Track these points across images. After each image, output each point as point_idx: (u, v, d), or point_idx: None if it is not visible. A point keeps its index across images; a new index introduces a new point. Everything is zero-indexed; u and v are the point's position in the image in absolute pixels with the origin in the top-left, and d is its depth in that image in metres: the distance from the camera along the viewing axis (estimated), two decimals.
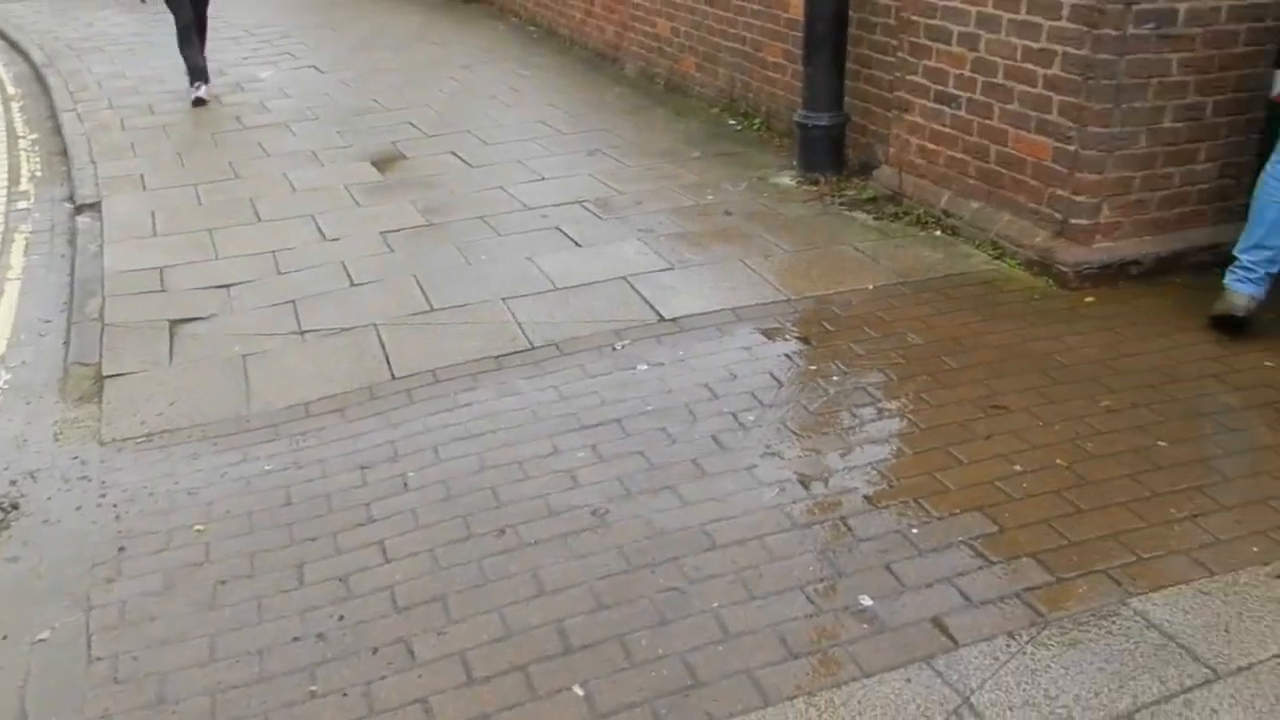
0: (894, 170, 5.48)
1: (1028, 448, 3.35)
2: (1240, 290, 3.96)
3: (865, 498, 3.15)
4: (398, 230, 5.46)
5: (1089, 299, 4.36)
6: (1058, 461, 3.27)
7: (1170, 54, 4.26)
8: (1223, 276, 4.05)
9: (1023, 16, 4.53)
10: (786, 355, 4.04)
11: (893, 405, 3.65)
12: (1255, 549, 2.86)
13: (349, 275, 4.92)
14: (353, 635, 2.72)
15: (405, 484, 3.35)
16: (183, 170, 6.59)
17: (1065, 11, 4.32)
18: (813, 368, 3.93)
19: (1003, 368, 3.86)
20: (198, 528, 3.22)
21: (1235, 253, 4.01)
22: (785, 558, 2.91)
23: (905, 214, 5.30)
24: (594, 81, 8.63)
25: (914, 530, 3.00)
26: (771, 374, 3.89)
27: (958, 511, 3.06)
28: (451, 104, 8.03)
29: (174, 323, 4.54)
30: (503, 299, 4.58)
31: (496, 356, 4.12)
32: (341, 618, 2.78)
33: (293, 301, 4.68)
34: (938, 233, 5.09)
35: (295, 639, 2.72)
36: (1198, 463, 3.25)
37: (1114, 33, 4.17)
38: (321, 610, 2.82)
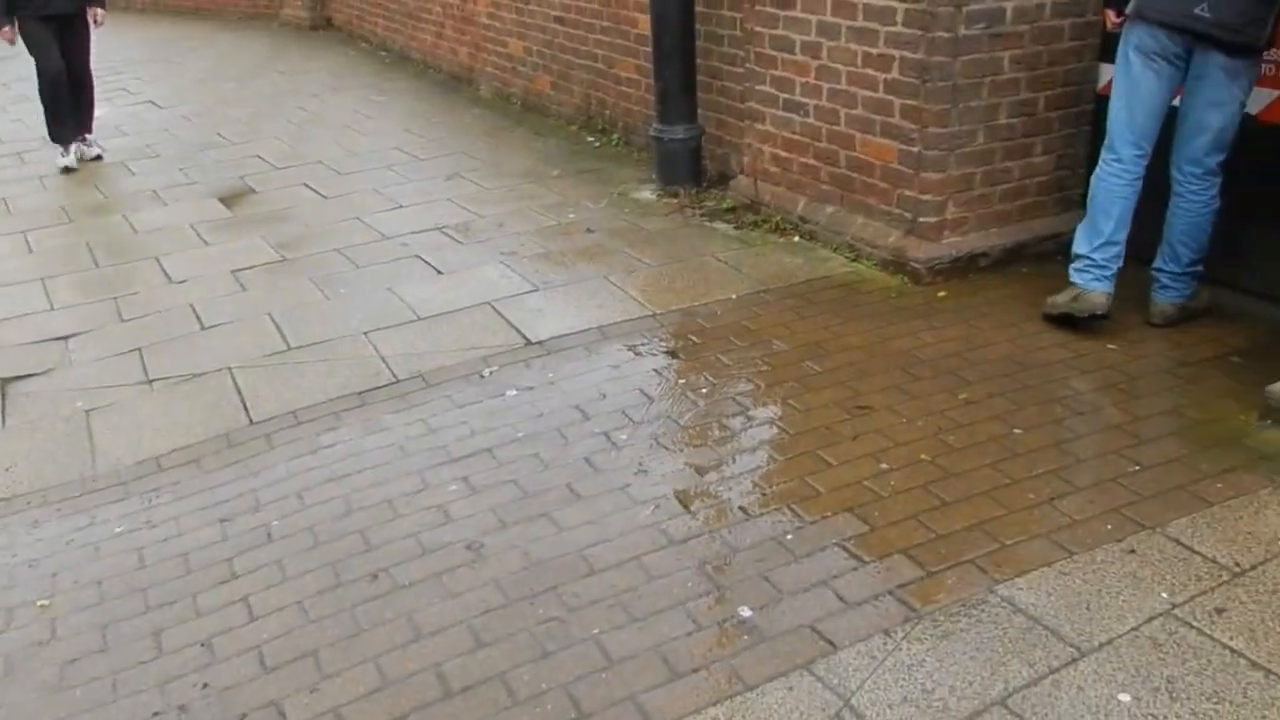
0: (750, 179, 5.57)
1: (893, 445, 3.43)
2: (1099, 289, 4.00)
3: (740, 508, 3.18)
4: (249, 268, 5.31)
5: (942, 294, 4.50)
6: (922, 457, 3.36)
7: (1001, 52, 4.42)
8: (1071, 274, 4.07)
9: (860, 23, 4.66)
10: (655, 370, 4.06)
11: (761, 413, 3.70)
12: (1109, 526, 2.97)
13: (199, 318, 4.76)
14: (219, 703, 2.61)
15: (269, 534, 3.25)
16: (10, 217, 6.31)
17: (899, 16, 4.44)
18: (682, 381, 3.96)
19: (865, 367, 3.95)
20: (41, 603, 3.05)
21: (1083, 252, 4.03)
22: (664, 576, 2.91)
23: (764, 222, 5.39)
24: (450, 104, 8.57)
25: (788, 537, 3.03)
26: (641, 390, 3.90)
27: (830, 514, 3.12)
28: (302, 134, 7.87)
29: (6, 381, 4.32)
30: (364, 333, 4.50)
31: (360, 393, 4.04)
32: (205, 685, 2.66)
33: (139, 349, 4.50)
34: (796, 238, 5.19)
35: (155, 715, 2.60)
36: (1052, 447, 3.37)
37: (947, 34, 4.31)
38: (183, 679, 2.69)
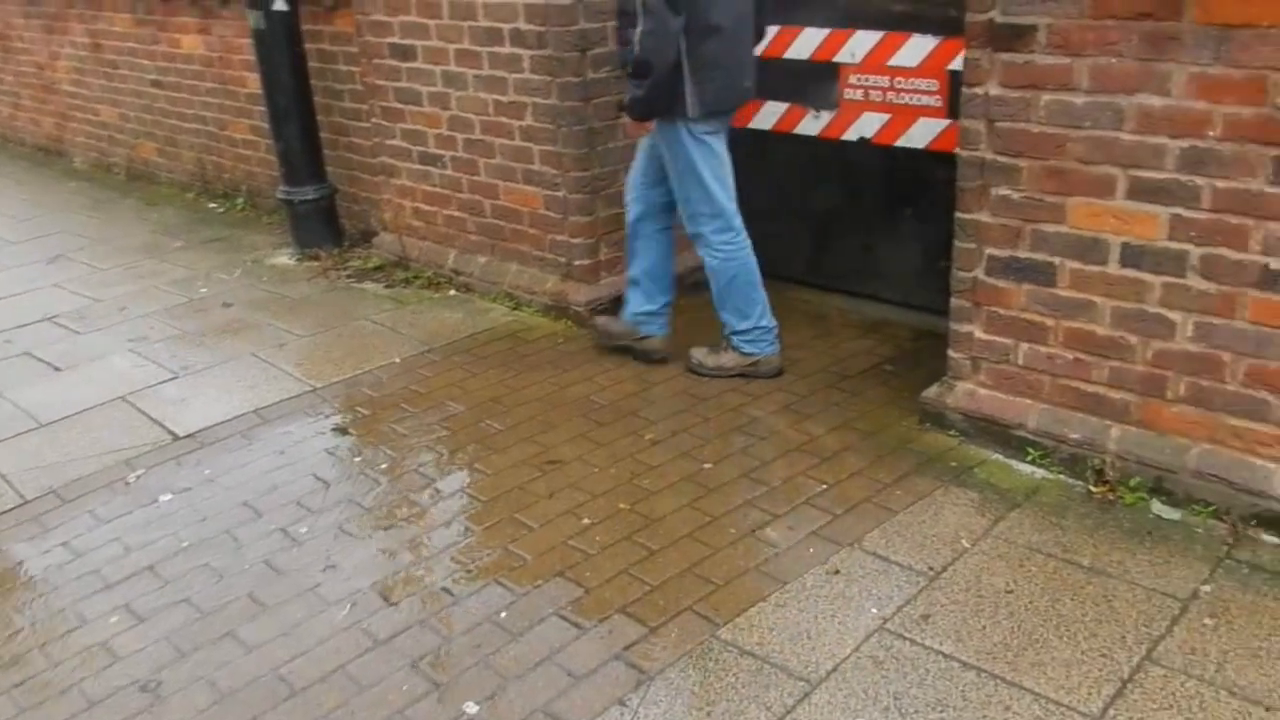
0: (394, 235, 5.28)
1: (590, 498, 3.29)
2: (776, 350, 4.00)
3: (445, 590, 2.91)
4: None
5: None
6: (621, 506, 3.24)
7: None
8: (743, 347, 3.97)
9: (487, 72, 4.52)
10: (327, 451, 3.68)
11: (449, 482, 3.44)
12: (811, 550, 2.98)
13: None
14: None
15: None
16: None
17: (526, 64, 4.35)
18: (358, 459, 3.62)
19: (548, 420, 3.79)
20: None
21: (748, 326, 3.94)
22: (376, 683, 2.58)
23: (416, 278, 5.12)
24: (40, 180, 7.59)
25: (503, 614, 2.80)
26: (315, 475, 3.52)
27: (541, 582, 2.92)
28: None
29: None
30: None
31: None
32: None
33: None
34: (452, 292, 4.97)
35: None
36: (744, 478, 3.36)
37: (575, 79, 4.26)
38: None
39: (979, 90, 3.22)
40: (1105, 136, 3.03)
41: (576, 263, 4.52)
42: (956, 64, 4.00)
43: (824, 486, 3.28)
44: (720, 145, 3.82)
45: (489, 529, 3.18)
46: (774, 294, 4.13)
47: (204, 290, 5.25)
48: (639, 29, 3.45)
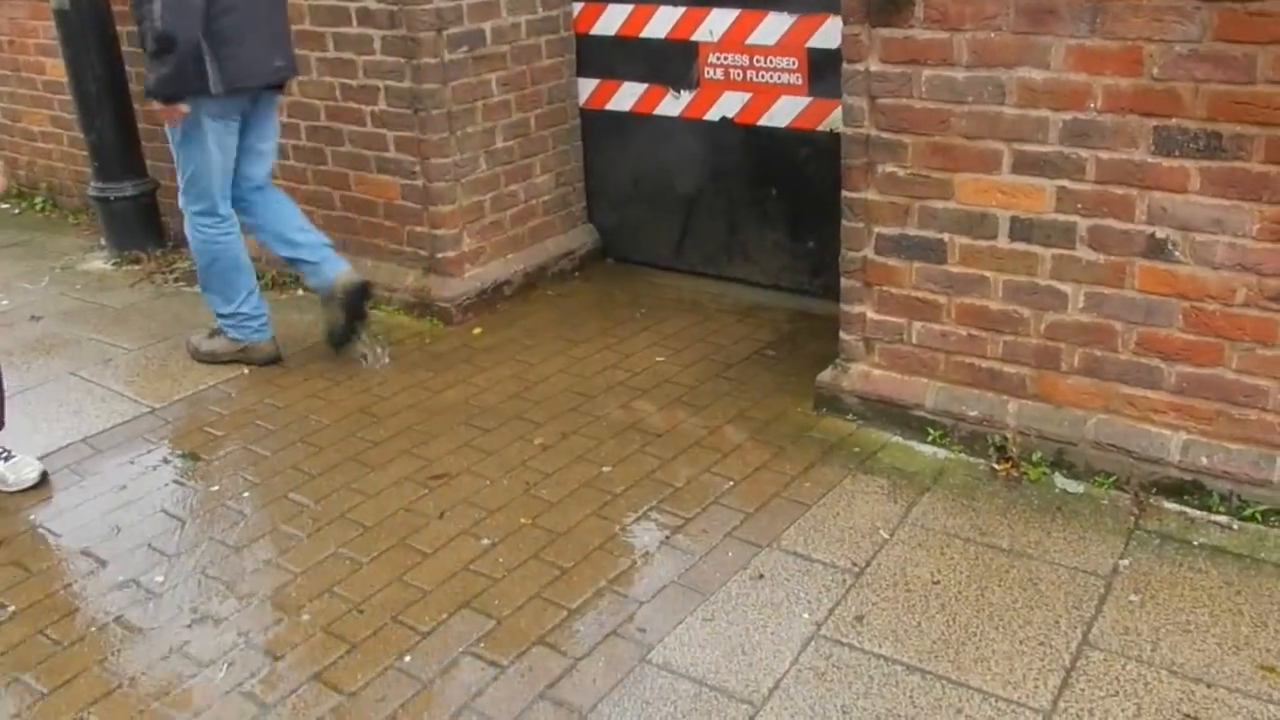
0: None
1: (486, 514, 2.93)
2: (264, 337, 3.84)
3: (337, 635, 2.50)
4: None
5: (477, 331, 4.05)
6: (522, 521, 2.90)
7: (489, 74, 4.06)
8: (228, 330, 3.81)
9: (333, 54, 4.05)
10: (177, 482, 3.18)
11: (325, 508, 3.01)
12: (730, 554, 2.72)
13: None
14: None
15: None
16: None
17: (378, 45, 3.90)
18: (214, 489, 3.13)
19: (426, 429, 3.39)
20: None
21: (230, 310, 3.77)
22: None
23: (258, 276, 4.56)
24: None
25: (407, 659, 2.43)
26: (166, 512, 3.02)
27: (445, 616, 2.55)
28: None
29: None
30: None
31: None
32: None
33: None
34: (299, 292, 4.44)
35: None
36: (646, 479, 3.06)
37: (432, 60, 3.85)
38: None
39: (859, 66, 3.01)
40: (988, 111, 2.88)
41: (440, 255, 4.12)
42: (815, 41, 3.83)
43: (731, 483, 3.02)
44: (226, 136, 3.56)
45: (377, 560, 2.78)
46: (643, 281, 3.87)
47: (5, 302, 4.55)
48: (158, 3, 3.21)
